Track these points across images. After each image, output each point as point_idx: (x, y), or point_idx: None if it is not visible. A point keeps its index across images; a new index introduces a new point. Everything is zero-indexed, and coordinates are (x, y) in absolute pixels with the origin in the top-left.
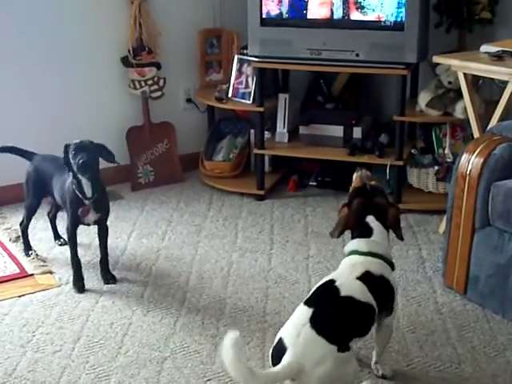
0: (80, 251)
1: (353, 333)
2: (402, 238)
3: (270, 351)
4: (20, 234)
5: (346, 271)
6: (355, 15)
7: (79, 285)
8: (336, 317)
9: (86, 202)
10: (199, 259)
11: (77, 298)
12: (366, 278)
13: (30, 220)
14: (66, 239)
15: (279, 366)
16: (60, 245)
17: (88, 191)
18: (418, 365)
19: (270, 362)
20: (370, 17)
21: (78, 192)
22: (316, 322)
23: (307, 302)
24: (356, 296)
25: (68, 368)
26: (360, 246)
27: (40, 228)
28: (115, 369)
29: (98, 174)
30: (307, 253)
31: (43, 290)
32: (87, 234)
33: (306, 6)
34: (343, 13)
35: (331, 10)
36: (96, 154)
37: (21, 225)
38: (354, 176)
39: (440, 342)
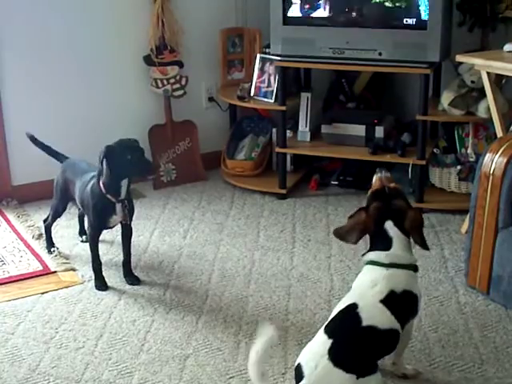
0: (102, 248)
1: (375, 358)
2: (423, 246)
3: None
4: (43, 231)
5: (368, 292)
6: (378, 14)
7: (102, 288)
8: (356, 349)
9: (118, 204)
10: (221, 257)
11: (99, 295)
12: (390, 299)
13: (54, 220)
14: (88, 242)
15: None
16: (82, 241)
17: (124, 192)
18: (440, 364)
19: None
20: (393, 16)
21: (109, 195)
22: (334, 354)
23: (327, 330)
24: (379, 325)
25: (91, 364)
26: (380, 258)
27: (62, 225)
28: (138, 366)
29: None
30: (329, 252)
31: (66, 287)
32: (109, 232)
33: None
34: (366, 12)
35: (354, 8)
36: None
37: (45, 222)
38: (374, 178)
39: (462, 341)
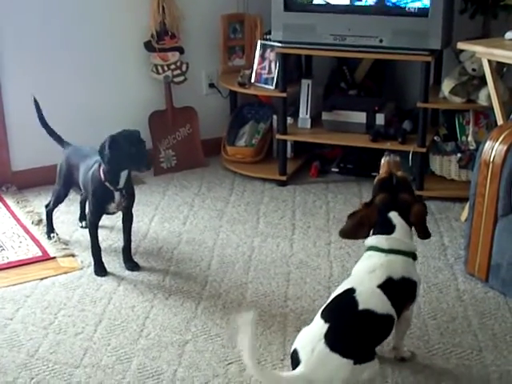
0: (102, 234)
1: (371, 344)
2: (424, 237)
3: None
4: (43, 216)
5: (366, 277)
6: (380, 1)
7: (101, 273)
8: (352, 333)
9: (116, 192)
10: (221, 244)
11: (99, 281)
12: (388, 285)
13: (55, 206)
14: (88, 228)
15: (289, 374)
16: (82, 227)
17: (122, 182)
18: (438, 351)
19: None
20: (395, 2)
21: (108, 183)
22: (330, 339)
23: (324, 315)
24: (375, 309)
25: (90, 350)
26: (380, 243)
27: (62, 211)
28: (137, 351)
29: None
30: (329, 239)
31: (65, 273)
32: (109, 218)
33: None
34: None
35: None
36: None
37: (46, 207)
38: (382, 161)
39: (461, 329)
